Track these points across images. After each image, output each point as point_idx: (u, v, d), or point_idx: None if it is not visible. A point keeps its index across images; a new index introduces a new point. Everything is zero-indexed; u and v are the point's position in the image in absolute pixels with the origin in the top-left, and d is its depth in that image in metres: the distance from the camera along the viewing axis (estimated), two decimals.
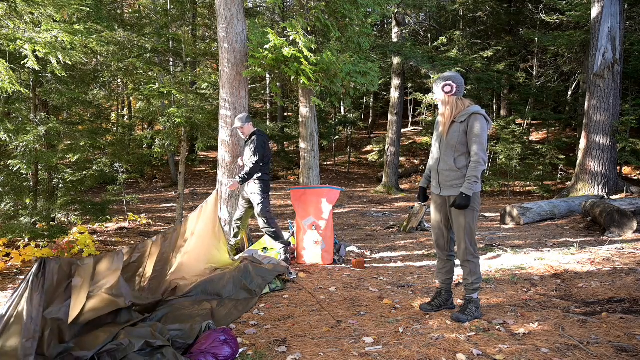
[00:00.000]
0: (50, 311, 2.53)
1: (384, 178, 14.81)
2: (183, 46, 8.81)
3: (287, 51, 5.45)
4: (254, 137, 4.94)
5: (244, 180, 4.75)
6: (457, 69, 12.85)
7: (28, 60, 4.63)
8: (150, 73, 8.87)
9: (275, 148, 18.95)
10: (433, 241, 3.44)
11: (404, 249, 6.05)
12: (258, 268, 4.15)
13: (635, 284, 3.76)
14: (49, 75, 6.58)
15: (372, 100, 22.86)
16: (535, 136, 17.76)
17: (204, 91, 12.74)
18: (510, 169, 13.75)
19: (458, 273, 4.12)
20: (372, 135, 21.92)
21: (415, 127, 21.55)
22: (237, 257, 4.73)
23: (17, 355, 2.23)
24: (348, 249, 5.89)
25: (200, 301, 3.60)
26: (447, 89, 3.12)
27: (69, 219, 8.07)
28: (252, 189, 4.94)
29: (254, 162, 4.78)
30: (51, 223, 6.69)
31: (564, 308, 3.36)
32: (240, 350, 2.74)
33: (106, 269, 2.98)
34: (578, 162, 10.49)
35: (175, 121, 7.93)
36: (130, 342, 2.52)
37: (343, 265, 5.06)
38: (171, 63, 12.45)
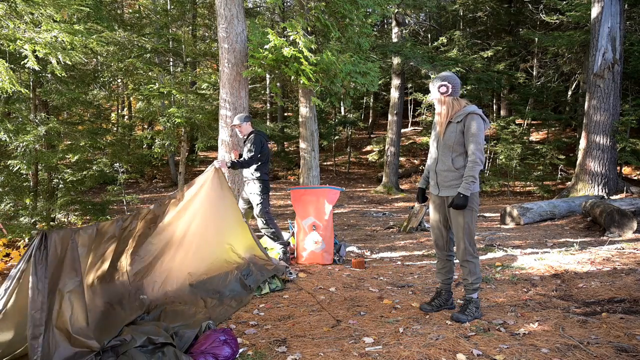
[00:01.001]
0: (65, 284, 2.51)
1: (384, 178, 14.81)
2: (183, 46, 8.83)
3: (287, 51, 5.45)
4: (251, 135, 4.92)
5: (233, 166, 4.65)
6: (457, 69, 12.84)
7: (28, 60, 4.63)
8: (150, 73, 8.88)
9: (275, 148, 18.94)
10: (432, 241, 3.45)
11: (404, 249, 6.05)
12: (257, 265, 4.15)
13: (635, 284, 3.76)
14: (49, 75, 6.59)
15: (372, 100, 22.84)
16: (535, 136, 17.75)
17: (204, 91, 12.75)
18: (510, 169, 13.74)
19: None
20: (372, 135, 21.90)
21: (415, 127, 21.54)
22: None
23: (24, 327, 2.28)
24: (348, 249, 5.89)
25: (197, 299, 3.59)
26: (443, 89, 3.13)
27: (69, 219, 8.07)
28: (252, 189, 4.93)
29: (249, 157, 4.74)
30: (51, 223, 6.69)
31: (564, 308, 3.36)
32: (240, 350, 2.74)
33: (106, 237, 2.99)
34: (578, 162, 10.49)
35: (175, 121, 7.95)
36: (132, 338, 2.55)
37: (343, 265, 5.06)
38: (171, 63, 12.47)
